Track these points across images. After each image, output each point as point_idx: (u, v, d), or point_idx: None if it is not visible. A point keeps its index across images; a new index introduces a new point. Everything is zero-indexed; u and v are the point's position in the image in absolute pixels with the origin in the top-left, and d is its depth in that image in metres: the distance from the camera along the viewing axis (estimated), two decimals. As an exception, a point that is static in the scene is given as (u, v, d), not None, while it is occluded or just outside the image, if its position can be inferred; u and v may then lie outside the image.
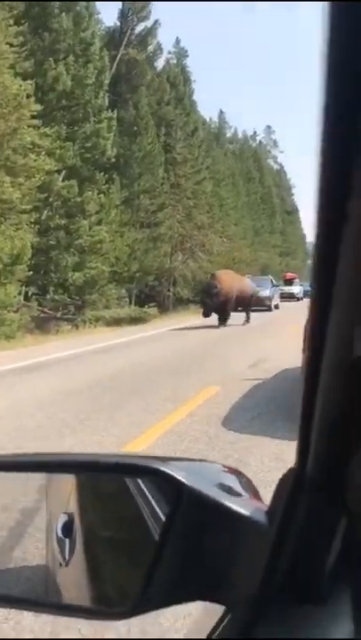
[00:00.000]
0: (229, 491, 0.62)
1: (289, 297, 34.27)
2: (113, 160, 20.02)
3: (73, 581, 0.73)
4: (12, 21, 14.16)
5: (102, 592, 0.69)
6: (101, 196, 19.05)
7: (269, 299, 25.20)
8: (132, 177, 22.56)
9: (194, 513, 0.58)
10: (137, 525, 0.68)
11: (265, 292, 24.77)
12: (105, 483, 0.77)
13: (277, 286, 28.00)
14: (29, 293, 17.07)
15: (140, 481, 0.69)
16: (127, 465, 0.70)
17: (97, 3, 19.71)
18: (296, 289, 36.45)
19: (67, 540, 0.77)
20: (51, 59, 17.04)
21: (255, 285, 24.44)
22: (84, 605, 0.68)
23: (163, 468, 0.61)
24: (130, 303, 22.60)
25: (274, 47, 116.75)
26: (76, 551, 0.76)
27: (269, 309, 24.50)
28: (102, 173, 19.29)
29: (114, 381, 7.80)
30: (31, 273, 15.49)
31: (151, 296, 24.88)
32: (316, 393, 0.46)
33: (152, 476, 0.64)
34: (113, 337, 14.15)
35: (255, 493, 0.68)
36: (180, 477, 0.59)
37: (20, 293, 15.12)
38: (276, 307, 26.11)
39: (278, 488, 0.59)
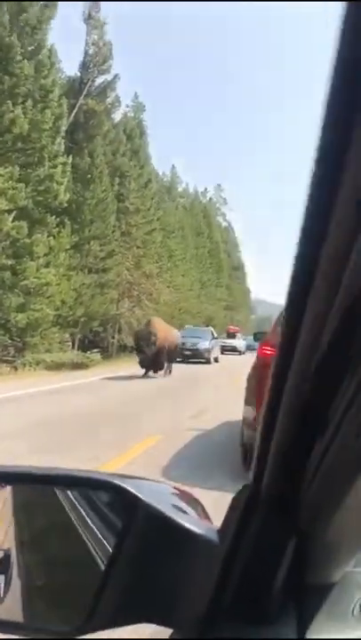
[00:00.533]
0: (182, 510, 0.61)
1: (231, 350, 34.31)
2: (65, 205, 20.06)
3: (16, 599, 0.69)
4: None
5: (48, 611, 0.65)
6: (51, 238, 18.97)
7: (208, 351, 24.30)
8: (84, 222, 22.65)
9: (147, 530, 0.57)
10: (88, 542, 0.65)
11: (204, 344, 24.05)
12: (53, 498, 0.73)
13: (217, 338, 27.28)
14: (-31, 333, 16.59)
15: (92, 496, 0.67)
16: (82, 478, 0.67)
17: (59, 52, 20.19)
18: (239, 342, 36.80)
19: (1, 577, 0.74)
20: (9, 101, 17.19)
21: (192, 336, 24.11)
22: (27, 624, 0.64)
23: (119, 483, 0.59)
24: (73, 348, 22.26)
25: (226, 105, 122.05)
26: (15, 576, 0.72)
27: (208, 362, 23.67)
28: (54, 217, 19.27)
29: (50, 426, 7.57)
30: (-27, 311, 15.10)
31: (95, 342, 24.62)
32: (276, 417, 0.48)
33: (107, 491, 0.63)
34: (54, 381, 13.84)
35: (206, 516, 0.68)
36: (136, 493, 0.58)
37: None
38: (216, 360, 25.28)
39: (231, 507, 0.59)
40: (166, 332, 16.58)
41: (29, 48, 18.58)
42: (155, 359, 15.60)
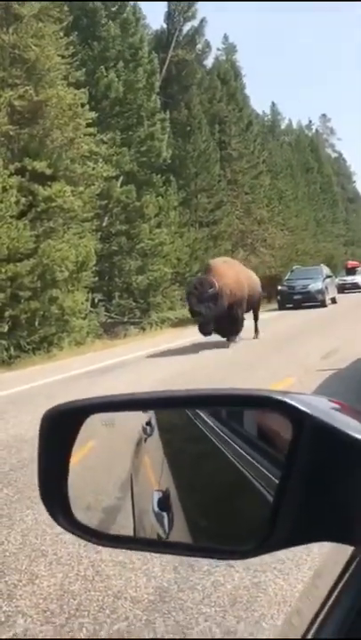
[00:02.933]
0: (350, 422, 0.56)
1: (352, 287, 31.90)
2: (169, 162, 20.07)
3: (182, 528, 0.71)
4: (61, 34, 14.43)
5: (217, 534, 0.65)
6: (159, 198, 19.13)
7: (322, 292, 21.52)
8: (189, 177, 22.56)
9: (318, 446, 0.54)
10: (254, 460, 0.65)
11: (316, 285, 21.64)
12: (202, 420, 0.73)
13: (331, 277, 24.22)
14: (95, 300, 17.33)
15: (253, 414, 0.66)
16: (239, 397, 0.63)
17: (143, 6, 19.83)
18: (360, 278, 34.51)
19: (165, 514, 0.78)
20: (102, 67, 17.29)
21: (301, 277, 22.36)
22: (208, 546, 0.65)
23: (281, 398, 0.56)
24: (194, 303, 22.52)
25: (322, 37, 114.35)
26: (177, 508, 0.74)
27: (323, 305, 21.10)
28: (159, 176, 19.38)
29: (185, 379, 7.75)
30: (96, 279, 15.73)
31: (215, 295, 24.70)
32: None
33: (266, 408, 0.61)
34: (180, 337, 14.13)
35: None
36: (301, 407, 0.54)
37: (87, 300, 15.37)
38: (334, 300, 22.51)
39: None
40: (239, 276, 12.10)
41: (113, 9, 18.46)
42: (226, 317, 11.30)
